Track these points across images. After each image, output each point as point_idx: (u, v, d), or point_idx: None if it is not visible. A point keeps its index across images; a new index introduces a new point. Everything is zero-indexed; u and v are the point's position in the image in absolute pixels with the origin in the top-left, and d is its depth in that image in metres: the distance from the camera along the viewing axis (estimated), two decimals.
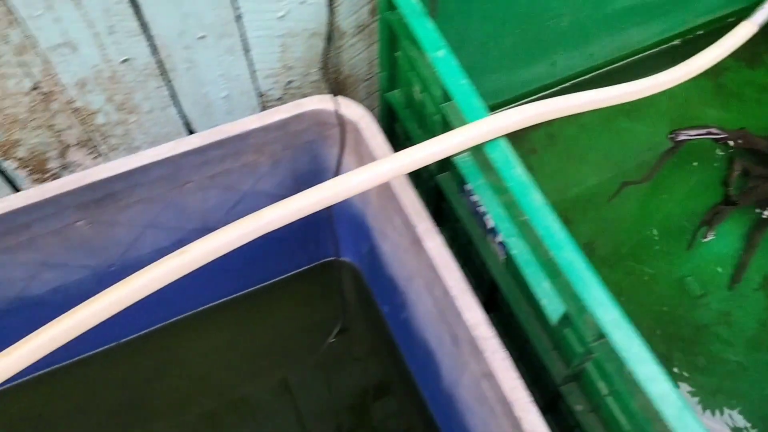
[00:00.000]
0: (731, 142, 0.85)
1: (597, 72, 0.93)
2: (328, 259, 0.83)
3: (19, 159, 0.62)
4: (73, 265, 0.64)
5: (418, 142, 0.66)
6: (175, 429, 0.73)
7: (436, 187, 0.65)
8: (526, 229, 0.49)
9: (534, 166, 0.84)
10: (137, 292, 0.45)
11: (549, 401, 0.57)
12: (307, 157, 0.66)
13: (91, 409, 0.73)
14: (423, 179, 0.66)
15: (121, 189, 0.59)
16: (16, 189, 0.65)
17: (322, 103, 0.61)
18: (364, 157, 0.62)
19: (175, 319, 0.78)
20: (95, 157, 0.66)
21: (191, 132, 0.69)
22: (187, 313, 0.78)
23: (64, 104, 0.59)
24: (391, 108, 0.71)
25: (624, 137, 0.87)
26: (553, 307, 0.50)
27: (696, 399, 0.69)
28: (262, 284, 0.81)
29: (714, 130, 0.84)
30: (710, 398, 0.69)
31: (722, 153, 0.86)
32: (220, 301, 0.79)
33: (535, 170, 0.83)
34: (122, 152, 0.67)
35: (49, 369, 0.74)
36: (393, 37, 0.63)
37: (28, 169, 0.63)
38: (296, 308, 0.81)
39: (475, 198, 0.60)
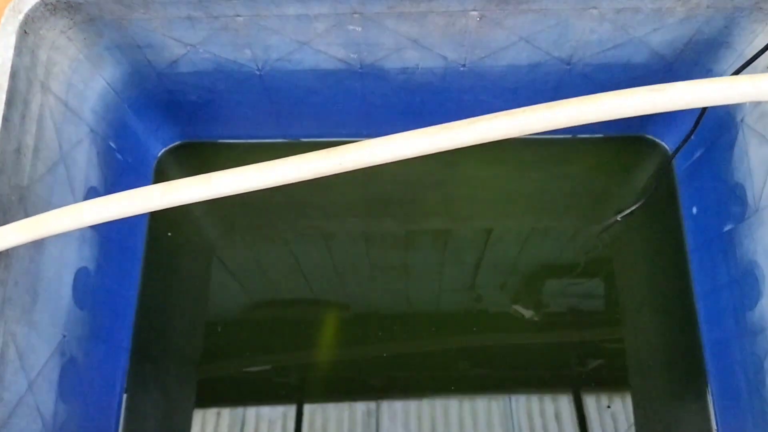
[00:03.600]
0: None
1: None
2: (635, 134, 0.77)
3: None
4: (436, 52, 0.61)
5: None
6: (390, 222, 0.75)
7: None
8: None
9: None
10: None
11: None
12: (720, 24, 0.57)
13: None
14: None
15: None
16: None
17: None
18: None
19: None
20: None
21: None
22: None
23: None
24: None
25: None
26: None
27: None
28: (556, 135, 0.77)
29: None
30: None
31: None
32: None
33: None
34: None
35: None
36: None
37: None
38: (591, 172, 0.77)
39: None
